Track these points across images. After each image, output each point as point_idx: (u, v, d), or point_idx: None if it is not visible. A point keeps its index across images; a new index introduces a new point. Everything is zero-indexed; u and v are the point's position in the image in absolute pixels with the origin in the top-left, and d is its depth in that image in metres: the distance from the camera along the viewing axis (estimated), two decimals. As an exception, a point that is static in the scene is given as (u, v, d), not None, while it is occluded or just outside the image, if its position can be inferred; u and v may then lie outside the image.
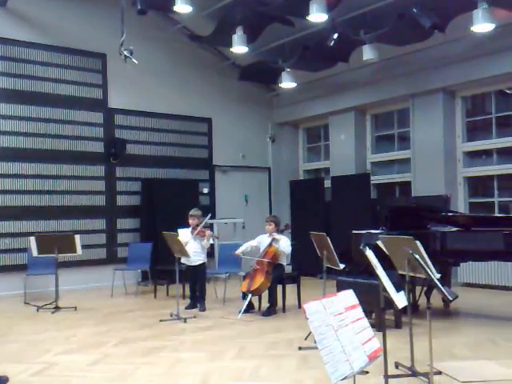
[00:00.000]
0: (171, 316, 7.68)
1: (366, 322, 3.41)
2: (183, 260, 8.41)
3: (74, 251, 8.73)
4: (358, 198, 11.58)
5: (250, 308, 8.03)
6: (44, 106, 10.70)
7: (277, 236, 8.18)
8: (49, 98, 10.77)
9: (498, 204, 10.40)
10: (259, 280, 7.91)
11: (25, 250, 9.91)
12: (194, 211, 8.65)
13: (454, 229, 7.57)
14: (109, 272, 10.21)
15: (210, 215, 8.73)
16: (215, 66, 12.85)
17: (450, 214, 8.05)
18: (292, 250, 8.36)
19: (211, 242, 8.84)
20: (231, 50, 10.79)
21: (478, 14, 8.29)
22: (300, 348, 5.89)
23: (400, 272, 5.06)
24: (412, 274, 4.85)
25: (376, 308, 6.27)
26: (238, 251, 8.43)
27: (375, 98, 11.82)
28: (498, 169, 10.32)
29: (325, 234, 6.67)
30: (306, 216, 12.58)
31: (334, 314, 3.20)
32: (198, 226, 8.53)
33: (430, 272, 4.41)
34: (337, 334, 3.13)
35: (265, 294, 8.16)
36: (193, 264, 8.52)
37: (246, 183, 13.44)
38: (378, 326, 6.01)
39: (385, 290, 4.48)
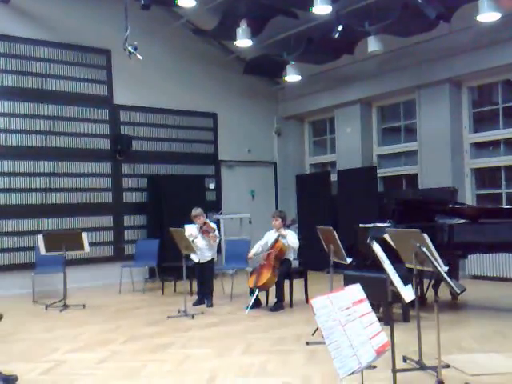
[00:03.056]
0: (179, 312, 7.69)
1: (373, 316, 3.40)
2: (192, 257, 8.43)
3: (82, 249, 8.75)
4: (365, 192, 11.55)
5: (257, 303, 8.02)
6: (49, 103, 10.71)
7: (283, 232, 8.15)
8: (53, 95, 10.77)
9: (505, 195, 10.34)
10: (266, 275, 7.89)
11: (32, 248, 9.94)
12: (194, 211, 8.58)
13: (462, 221, 7.53)
14: (116, 269, 10.23)
15: (215, 216, 8.73)
16: (219, 60, 12.81)
17: (458, 206, 8.01)
18: (299, 245, 8.32)
19: (218, 239, 8.82)
20: (235, 43, 10.76)
21: (484, 4, 8.23)
22: (307, 343, 5.88)
23: (407, 265, 5.03)
24: (419, 268, 4.82)
25: (383, 302, 6.25)
26: (251, 254, 8.39)
27: (381, 90, 11.76)
28: (506, 160, 10.26)
29: (331, 228, 6.64)
30: (313, 210, 12.55)
31: (341, 309, 3.19)
32: (205, 223, 8.54)
33: (437, 265, 4.38)
34: (344, 328, 3.12)
35: (272, 290, 8.15)
36: (201, 261, 8.53)
37: (251, 178, 13.41)
38: (386, 319, 5.99)
39: (392, 283, 4.47)
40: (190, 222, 8.65)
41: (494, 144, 10.59)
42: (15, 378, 4.88)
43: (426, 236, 4.71)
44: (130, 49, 8.83)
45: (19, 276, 9.86)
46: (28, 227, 10.33)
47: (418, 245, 4.52)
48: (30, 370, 5.24)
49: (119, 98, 11.54)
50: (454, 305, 7.86)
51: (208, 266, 8.60)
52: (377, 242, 4.80)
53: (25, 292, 9.53)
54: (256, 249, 8.38)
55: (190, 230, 8.40)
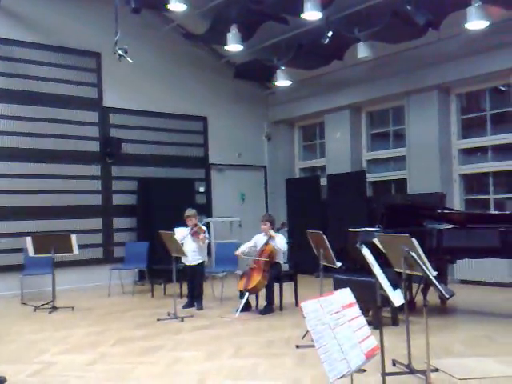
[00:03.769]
0: (168, 315, 7.69)
1: (362, 320, 3.42)
2: (183, 260, 8.44)
3: (71, 251, 8.71)
4: (354, 196, 11.61)
5: (247, 307, 8.03)
6: (38, 105, 10.66)
7: (272, 233, 8.18)
8: (43, 97, 10.73)
9: (493, 201, 10.43)
10: (256, 278, 7.92)
11: (21, 250, 9.85)
12: (188, 212, 8.63)
13: (450, 226, 7.59)
14: (105, 271, 10.21)
15: (204, 219, 8.86)
16: (210, 65, 12.83)
17: (446, 211, 8.07)
18: (288, 248, 8.36)
19: (207, 241, 8.84)
20: (226, 48, 10.79)
21: (472, 12, 8.31)
22: (297, 346, 5.91)
23: (396, 270, 5.07)
24: (408, 272, 4.86)
25: (373, 306, 6.29)
26: (238, 251, 8.43)
27: (370, 96, 11.83)
28: (493, 166, 10.36)
29: (321, 232, 6.68)
30: (303, 214, 12.59)
31: (330, 313, 3.21)
32: (196, 225, 8.55)
33: (426, 269, 4.43)
34: (334, 332, 3.14)
35: (262, 293, 8.18)
36: (192, 263, 8.54)
37: (242, 182, 13.43)
38: (375, 323, 6.03)
39: (381, 287, 4.50)
40: (180, 224, 8.66)
41: (482, 150, 10.68)
42: (4, 380, 4.87)
43: (414, 241, 4.75)
44: (120, 52, 8.85)
45: (7, 277, 9.80)
46: (17, 229, 10.24)
47: (407, 249, 4.57)
48: (19, 372, 5.22)
49: (109, 101, 11.52)
50: (443, 309, 7.92)
51: (198, 268, 8.61)
52: (366, 246, 4.84)
53: (13, 294, 9.51)
54: (243, 248, 8.43)
55: (181, 233, 8.41)
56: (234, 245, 9.80)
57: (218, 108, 13.01)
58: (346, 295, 3.47)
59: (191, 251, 8.42)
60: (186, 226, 8.63)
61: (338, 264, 6.54)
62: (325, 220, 12.09)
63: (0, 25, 10.30)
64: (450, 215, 7.91)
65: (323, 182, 12.78)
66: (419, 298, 7.54)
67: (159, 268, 9.81)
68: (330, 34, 9.56)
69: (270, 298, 8.07)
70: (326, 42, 9.62)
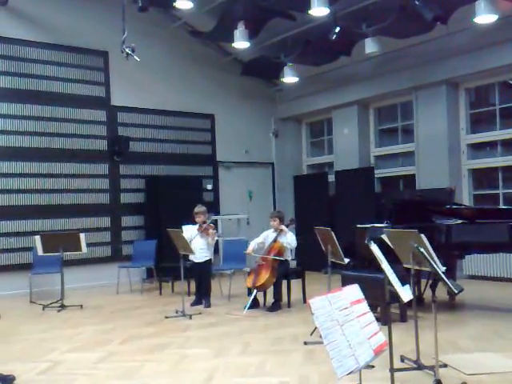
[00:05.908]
0: (176, 313, 7.70)
1: (371, 316, 3.41)
2: (191, 257, 8.44)
3: (79, 249, 8.75)
4: (362, 192, 11.57)
5: (255, 304, 8.02)
6: (46, 104, 10.68)
7: (284, 228, 8.16)
8: (51, 96, 10.75)
9: (502, 196, 10.37)
10: (264, 276, 7.90)
11: (30, 248, 9.91)
12: (198, 208, 8.66)
13: (459, 221, 7.55)
14: (114, 270, 10.23)
15: (213, 216, 8.83)
16: (217, 62, 12.82)
17: (455, 206, 8.03)
18: (296, 245, 8.33)
19: (216, 238, 8.85)
20: (233, 45, 10.79)
21: (481, 5, 8.25)
22: (305, 343, 5.89)
23: (405, 265, 5.04)
24: (417, 268, 4.83)
25: (381, 302, 6.27)
26: (249, 250, 8.38)
27: (378, 92, 11.78)
28: (503, 160, 10.28)
29: (329, 228, 6.66)
30: (311, 211, 12.56)
31: (339, 309, 3.20)
32: (204, 222, 8.55)
33: (435, 265, 4.40)
34: (342, 328, 3.13)
35: (270, 290, 8.16)
36: (199, 261, 8.54)
37: (249, 179, 13.41)
38: (384, 319, 6.00)
39: (390, 283, 4.47)
40: (188, 222, 8.66)
41: (491, 145, 10.62)
42: (13, 378, 4.88)
43: (423, 236, 4.72)
44: (127, 51, 8.84)
45: (16, 276, 9.83)
46: (25, 228, 10.30)
47: (415, 245, 4.54)
48: (28, 370, 5.24)
49: (117, 100, 11.53)
50: (452, 305, 7.88)
51: (206, 266, 8.62)
52: (374, 242, 4.81)
53: (22, 292, 9.52)
54: (253, 245, 8.39)
55: (189, 231, 8.41)
56: (241, 242, 9.81)
57: (225, 105, 12.99)
58: (354, 291, 3.45)
59: (199, 248, 8.42)
60: (194, 223, 8.64)
61: (346, 260, 6.53)
62: (333, 216, 12.06)
63: (7, 24, 10.33)
64: (459, 210, 7.86)
65: (331, 178, 12.73)
66: (428, 294, 7.49)
67: (167, 266, 9.83)
68: (337, 29, 9.52)
69: (277, 294, 8.05)
70: (334, 37, 9.59)
